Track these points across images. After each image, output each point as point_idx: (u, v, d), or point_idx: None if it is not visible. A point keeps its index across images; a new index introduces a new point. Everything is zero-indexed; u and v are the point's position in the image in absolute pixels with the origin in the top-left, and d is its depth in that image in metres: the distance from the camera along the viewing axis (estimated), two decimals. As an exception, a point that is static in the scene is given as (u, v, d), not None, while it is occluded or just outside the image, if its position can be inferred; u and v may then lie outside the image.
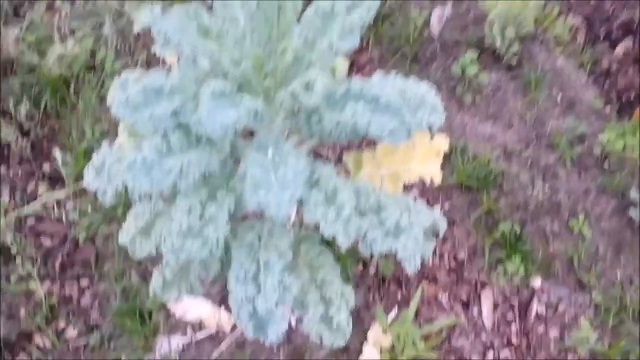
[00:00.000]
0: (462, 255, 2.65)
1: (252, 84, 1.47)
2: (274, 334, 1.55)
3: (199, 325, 2.33)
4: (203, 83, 1.48)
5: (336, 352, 2.32)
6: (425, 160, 1.86)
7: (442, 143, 1.89)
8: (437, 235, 1.85)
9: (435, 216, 1.77)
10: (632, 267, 2.48)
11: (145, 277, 2.50)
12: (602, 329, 2.39)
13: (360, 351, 2.33)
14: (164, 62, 2.88)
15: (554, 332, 2.45)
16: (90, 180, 1.68)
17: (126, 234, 1.71)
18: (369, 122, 1.40)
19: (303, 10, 1.52)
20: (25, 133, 2.93)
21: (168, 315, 2.38)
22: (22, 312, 2.52)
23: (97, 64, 2.91)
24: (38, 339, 2.49)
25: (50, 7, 3.09)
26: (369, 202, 1.57)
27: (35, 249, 2.65)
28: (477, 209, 2.69)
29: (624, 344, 2.33)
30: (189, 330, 2.32)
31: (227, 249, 1.69)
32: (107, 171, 1.65)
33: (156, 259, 2.45)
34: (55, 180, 2.84)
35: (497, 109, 2.82)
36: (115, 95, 1.59)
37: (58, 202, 2.75)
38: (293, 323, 2.33)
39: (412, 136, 1.52)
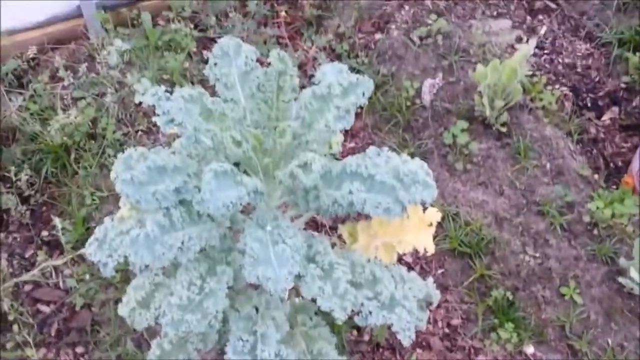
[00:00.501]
0: (456, 321, 2.68)
1: (252, 162, 1.53)
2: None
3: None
4: (205, 161, 1.55)
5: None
6: (419, 232, 1.91)
7: (434, 215, 1.95)
8: (430, 305, 1.89)
9: (429, 286, 1.81)
10: (623, 334, 2.51)
11: (141, 345, 2.52)
12: (595, 397, 2.41)
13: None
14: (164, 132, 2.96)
15: (548, 400, 2.46)
16: (92, 252, 1.72)
17: (126, 306, 1.74)
18: (365, 200, 1.46)
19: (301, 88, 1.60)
20: (24, 200, 2.98)
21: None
22: (19, 381, 2.52)
23: (98, 132, 2.98)
24: (32, 410, 2.48)
25: (53, 77, 3.18)
26: (364, 274, 1.62)
27: (31, 315, 2.66)
28: (470, 274, 2.74)
29: (617, 412, 2.35)
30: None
31: (224, 321, 1.73)
32: (108, 244, 1.69)
33: (153, 328, 2.49)
34: (53, 247, 2.88)
35: (487, 176, 2.90)
36: (119, 172, 1.65)
37: (56, 269, 2.78)
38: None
39: (405, 211, 1.58)
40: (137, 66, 3.13)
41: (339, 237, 1.98)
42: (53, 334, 2.66)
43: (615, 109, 3.44)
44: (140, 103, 3.02)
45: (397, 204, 1.48)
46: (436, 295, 1.87)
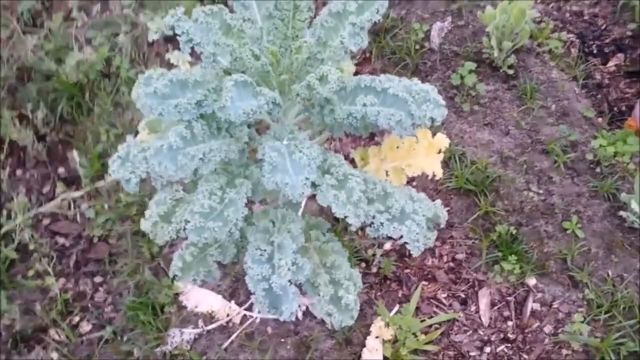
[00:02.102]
0: (461, 255, 2.76)
1: (270, 78, 1.60)
2: (287, 311, 1.66)
3: (210, 318, 2.42)
4: (223, 79, 1.61)
5: (340, 344, 2.42)
6: (428, 156, 1.98)
7: (443, 141, 2.02)
8: (438, 226, 1.97)
9: (437, 207, 1.89)
10: (623, 266, 2.59)
11: (158, 274, 2.60)
12: (595, 325, 2.49)
13: (363, 344, 2.43)
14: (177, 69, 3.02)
15: (548, 328, 2.55)
16: (115, 169, 1.79)
17: (148, 221, 1.82)
18: (378, 112, 1.53)
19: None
20: (40, 138, 3.05)
21: (180, 308, 2.48)
22: (38, 307, 2.61)
23: (112, 71, 3.04)
24: (53, 333, 2.58)
25: (67, 18, 3.22)
26: (375, 189, 1.69)
27: (50, 247, 2.75)
28: (475, 212, 2.81)
29: (616, 338, 2.43)
30: (200, 322, 2.42)
31: (242, 236, 1.81)
32: (131, 161, 1.77)
33: (170, 253, 2.58)
34: (70, 183, 2.96)
35: (494, 117, 2.96)
36: (140, 89, 1.71)
37: (74, 202, 2.86)
38: (300, 315, 2.43)
39: (417, 129, 1.65)
40: (149, 6, 3.16)
41: (351, 161, 2.05)
42: (71, 265, 2.76)
43: (621, 55, 3.48)
44: (153, 42, 3.09)
45: (409, 117, 1.55)
46: (444, 216, 1.94)
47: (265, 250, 1.67)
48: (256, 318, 2.41)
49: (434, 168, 2.00)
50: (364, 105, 1.54)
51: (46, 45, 3.05)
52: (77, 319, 2.62)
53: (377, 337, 2.40)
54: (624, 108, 3.24)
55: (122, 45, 3.04)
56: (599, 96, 3.25)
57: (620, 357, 2.42)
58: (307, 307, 2.44)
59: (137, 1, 3.17)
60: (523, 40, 2.92)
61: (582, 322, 2.48)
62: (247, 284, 1.66)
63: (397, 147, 1.96)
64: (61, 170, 3.02)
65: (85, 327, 2.60)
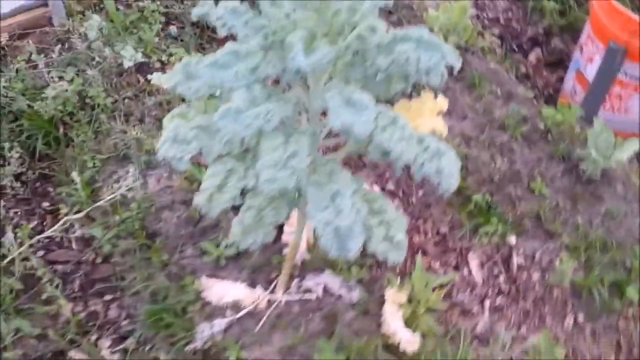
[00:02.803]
0: (444, 229, 3.01)
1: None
2: (355, 247, 1.82)
3: (236, 307, 2.51)
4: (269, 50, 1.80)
5: (361, 313, 2.57)
6: (432, 117, 2.23)
7: (443, 102, 2.28)
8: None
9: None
10: (588, 213, 2.94)
11: (172, 279, 2.66)
12: (577, 266, 2.80)
13: (380, 314, 2.60)
14: (157, 92, 3.15)
15: (536, 276, 2.83)
16: (165, 150, 1.90)
17: (203, 194, 1.93)
18: (419, 57, 1.77)
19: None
20: (16, 177, 3.05)
21: (204, 305, 2.55)
22: (51, 332, 2.59)
23: (87, 102, 3.11)
24: (73, 354, 2.56)
25: (28, 61, 3.27)
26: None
27: (53, 274, 2.74)
28: (448, 190, 3.07)
29: (597, 272, 2.75)
30: (228, 312, 2.50)
31: (297, 195, 1.98)
32: (182, 139, 1.90)
33: (180, 259, 2.66)
34: (56, 215, 2.97)
35: (451, 105, 3.27)
36: (179, 74, 1.88)
37: (66, 230, 2.87)
38: (320, 293, 2.58)
39: (444, 78, 1.90)
40: (112, 41, 3.29)
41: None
42: (76, 289, 2.76)
43: (538, 49, 3.96)
44: (124, 71, 3.21)
45: (443, 60, 1.80)
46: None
47: (324, 198, 1.84)
48: (281, 301, 2.52)
49: (439, 127, 2.25)
50: (405, 52, 1.77)
51: (16, 86, 3.08)
52: (94, 337, 2.61)
53: (392, 302, 2.57)
54: (551, 91, 3.69)
55: (93, 77, 3.12)
56: (529, 83, 3.69)
57: (604, 288, 2.73)
58: (325, 285, 2.59)
59: (100, 39, 3.28)
60: (467, 35, 3.29)
61: (565, 264, 2.77)
62: (315, 230, 1.81)
63: (408, 108, 2.19)
64: (45, 204, 3.03)
65: (105, 343, 2.60)
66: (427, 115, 2.23)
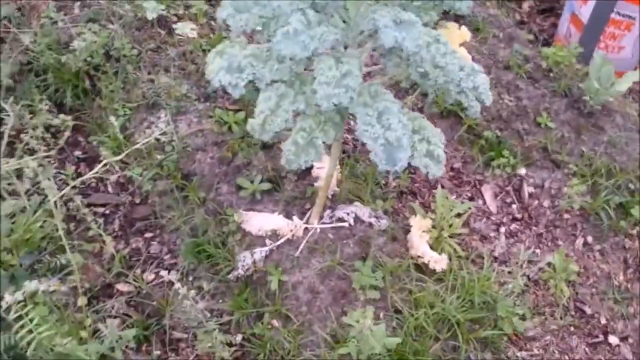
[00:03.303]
0: (457, 164, 3.21)
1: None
2: (403, 159, 1.99)
3: (275, 236, 2.68)
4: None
5: (390, 239, 2.76)
6: (457, 43, 2.41)
7: (467, 32, 2.46)
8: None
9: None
10: (592, 142, 3.16)
11: (209, 214, 2.81)
12: (584, 191, 3.01)
13: (406, 240, 2.79)
14: (179, 43, 3.28)
15: (547, 203, 3.05)
16: (221, 77, 2.05)
17: (258, 118, 2.09)
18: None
19: None
20: (46, 129, 3.15)
21: (243, 236, 2.71)
22: (98, 268, 2.73)
23: (112, 54, 3.23)
24: (120, 286, 2.71)
25: (51, 18, 3.36)
26: (449, 54, 2.09)
27: (94, 215, 2.87)
28: (459, 129, 3.27)
29: (603, 196, 2.97)
30: (267, 241, 2.67)
31: (341, 118, 2.15)
32: (237, 66, 2.04)
33: (217, 196, 2.79)
34: (91, 161, 3.09)
35: (457, 48, 3.46)
36: (228, 6, 2.05)
37: (101, 177, 3.00)
38: (352, 221, 2.75)
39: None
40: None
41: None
42: (117, 229, 2.90)
43: (531, -2, 4.16)
44: (145, 25, 3.33)
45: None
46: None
47: (372, 115, 2.01)
48: (316, 229, 2.70)
49: (464, 55, 2.43)
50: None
51: (42, 41, 3.18)
52: (138, 271, 2.75)
53: (418, 228, 2.76)
54: (546, 36, 3.88)
55: (116, 32, 3.23)
56: (526, 28, 3.88)
57: (610, 210, 2.95)
58: (355, 214, 2.77)
59: (120, -7, 3.38)
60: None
61: (572, 190, 2.99)
62: (367, 143, 1.99)
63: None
64: (77, 153, 3.15)
65: (149, 276, 2.75)
66: (455, 42, 2.41)
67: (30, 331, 1.77)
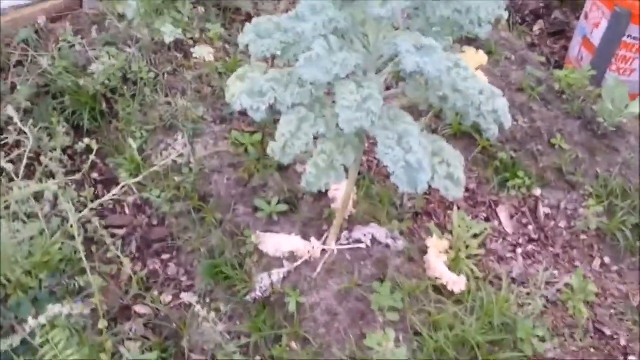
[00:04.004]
0: (472, 185, 3.22)
1: None
2: (424, 180, 2.00)
3: (292, 257, 2.69)
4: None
5: (407, 260, 2.76)
6: (475, 67, 2.43)
7: (483, 56, 2.49)
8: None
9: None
10: (607, 163, 3.17)
11: (226, 235, 2.82)
12: (599, 212, 3.02)
13: (423, 261, 2.79)
14: (195, 66, 3.31)
15: (563, 224, 3.05)
16: (242, 101, 2.07)
17: (279, 142, 2.10)
18: (478, 6, 1.97)
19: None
20: (63, 151, 3.18)
21: (260, 257, 2.72)
22: (116, 290, 2.73)
23: (129, 77, 3.26)
24: (138, 308, 2.71)
25: (68, 42, 3.41)
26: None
27: (112, 237, 2.88)
28: (473, 149, 3.29)
29: (619, 216, 2.98)
30: (285, 263, 2.67)
31: (361, 141, 2.17)
32: (259, 91, 2.07)
33: (234, 218, 2.81)
34: (108, 183, 3.12)
35: (470, 70, 3.49)
36: (250, 34, 2.07)
37: (117, 200, 3.02)
38: (369, 242, 2.76)
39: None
40: (146, 21, 3.44)
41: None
42: (134, 251, 2.91)
43: (541, 21, 4.19)
44: (162, 48, 3.37)
45: (499, 10, 2.01)
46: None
47: (393, 138, 2.03)
48: (334, 250, 2.70)
49: (481, 77, 2.45)
50: (468, 2, 1.97)
51: (60, 64, 3.22)
52: (156, 293, 2.76)
53: (436, 249, 2.77)
54: (557, 59, 3.91)
55: (133, 55, 3.27)
56: (537, 51, 3.91)
57: (626, 230, 2.95)
58: (372, 235, 2.78)
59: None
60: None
61: (589, 212, 2.99)
62: (387, 165, 2.00)
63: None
64: (94, 175, 3.17)
65: (167, 298, 2.76)
66: (472, 65, 2.42)
67: (55, 356, 1.77)
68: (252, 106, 2.09)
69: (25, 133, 2.69)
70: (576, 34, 3.84)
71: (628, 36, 3.54)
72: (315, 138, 2.14)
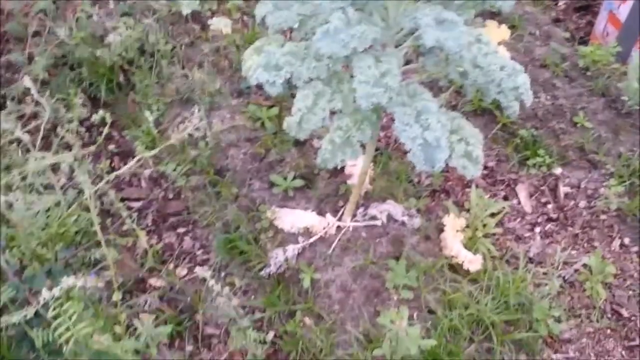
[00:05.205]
0: (491, 163, 3.17)
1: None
2: (442, 159, 1.97)
3: (307, 233, 2.67)
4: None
5: (423, 238, 2.74)
6: (497, 42, 2.37)
7: (505, 30, 2.43)
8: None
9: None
10: (630, 143, 3.10)
11: (242, 210, 2.81)
12: (621, 192, 2.96)
13: (439, 239, 2.76)
14: (213, 38, 3.28)
15: (583, 203, 3.00)
16: (258, 75, 2.04)
17: (295, 116, 2.07)
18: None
19: None
20: (80, 123, 3.17)
21: (276, 233, 2.70)
22: (131, 262, 2.74)
23: (146, 49, 3.23)
24: (153, 281, 2.71)
25: (85, 12, 3.38)
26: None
27: (128, 209, 2.88)
28: (494, 127, 3.23)
29: (640, 198, 2.92)
30: (300, 239, 2.66)
31: (378, 117, 2.13)
32: (274, 65, 2.03)
33: (250, 192, 2.79)
34: (124, 156, 3.11)
35: (492, 45, 3.42)
36: (267, 3, 2.04)
37: (134, 173, 3.01)
38: (385, 220, 2.74)
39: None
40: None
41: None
42: (150, 224, 2.90)
43: (567, -4, 4.09)
44: (179, 19, 3.33)
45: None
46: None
47: (411, 115, 1.99)
48: (349, 227, 2.68)
49: (503, 53, 2.39)
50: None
51: (78, 35, 3.20)
52: (171, 266, 2.76)
53: (452, 227, 2.73)
54: (582, 34, 3.82)
55: (150, 26, 3.24)
56: (562, 27, 3.82)
57: (648, 212, 2.89)
58: (388, 212, 2.75)
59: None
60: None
61: (610, 192, 2.94)
62: (405, 143, 1.96)
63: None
64: (111, 147, 3.16)
65: (182, 272, 2.76)
66: (495, 39, 2.36)
67: (68, 328, 1.78)
68: (268, 80, 2.05)
69: (41, 104, 2.69)
70: (602, 9, 3.74)
71: (657, 12, 3.44)
72: (333, 113, 2.10)
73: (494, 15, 3.32)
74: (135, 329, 2.31)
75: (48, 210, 2.65)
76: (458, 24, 1.85)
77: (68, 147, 2.81)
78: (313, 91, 2.09)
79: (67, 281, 1.91)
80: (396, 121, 2.00)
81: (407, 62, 2.34)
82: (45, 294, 1.88)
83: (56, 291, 1.88)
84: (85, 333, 1.78)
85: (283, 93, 2.14)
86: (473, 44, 1.95)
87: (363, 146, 2.15)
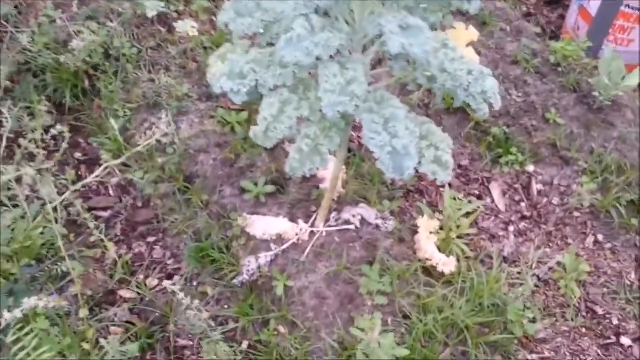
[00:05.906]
0: (465, 162, 3.15)
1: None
2: (411, 167, 1.94)
3: (280, 240, 2.63)
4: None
5: (397, 241, 2.71)
6: (465, 44, 2.34)
7: (474, 32, 2.39)
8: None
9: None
10: (602, 138, 3.10)
11: (213, 217, 2.76)
12: (593, 188, 2.95)
13: (414, 241, 2.74)
14: (180, 41, 3.21)
15: (556, 200, 2.99)
16: (222, 84, 1.99)
17: (261, 125, 2.02)
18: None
19: None
20: (45, 131, 3.10)
21: (248, 240, 2.66)
22: (100, 274, 2.68)
23: (112, 54, 3.16)
24: (123, 293, 2.66)
25: (48, 16, 3.29)
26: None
27: (95, 219, 2.82)
28: (466, 125, 3.21)
29: (614, 193, 2.91)
30: (272, 246, 2.62)
31: (347, 123, 2.09)
32: (239, 73, 1.98)
33: (221, 199, 2.75)
34: (90, 165, 3.04)
35: (463, 43, 3.39)
36: (229, 10, 1.99)
37: (101, 182, 2.94)
38: (358, 224, 2.70)
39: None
40: (130, -6, 3.33)
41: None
42: (119, 233, 2.84)
43: (539, -10, 4.07)
44: (145, 22, 3.26)
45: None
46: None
47: (379, 123, 1.95)
48: (322, 232, 2.65)
49: (471, 55, 2.36)
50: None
51: (40, 40, 3.11)
52: (141, 277, 2.70)
53: (426, 229, 2.71)
54: (553, 28, 3.81)
55: (115, 30, 3.17)
56: (534, 21, 3.80)
57: (621, 207, 2.89)
58: (362, 216, 2.72)
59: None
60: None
61: (583, 188, 2.93)
62: (373, 151, 1.93)
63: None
64: (77, 154, 3.09)
65: (152, 282, 2.70)
66: (461, 43, 2.34)
67: (29, 354, 1.72)
68: (232, 89, 2.01)
69: (3, 113, 2.61)
70: (573, 3, 3.73)
71: (626, 5, 3.43)
72: (300, 121, 2.06)
73: (464, 13, 3.30)
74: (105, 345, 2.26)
75: (13, 223, 2.58)
76: (423, 30, 1.81)
77: (33, 156, 2.75)
78: (279, 99, 2.04)
79: (29, 302, 1.86)
80: (364, 129, 1.97)
81: (375, 66, 2.31)
82: (6, 316, 1.82)
83: (17, 313, 1.83)
84: (46, 359, 1.72)
85: (249, 100, 2.09)
86: (439, 50, 1.91)
87: (332, 153, 2.12)
